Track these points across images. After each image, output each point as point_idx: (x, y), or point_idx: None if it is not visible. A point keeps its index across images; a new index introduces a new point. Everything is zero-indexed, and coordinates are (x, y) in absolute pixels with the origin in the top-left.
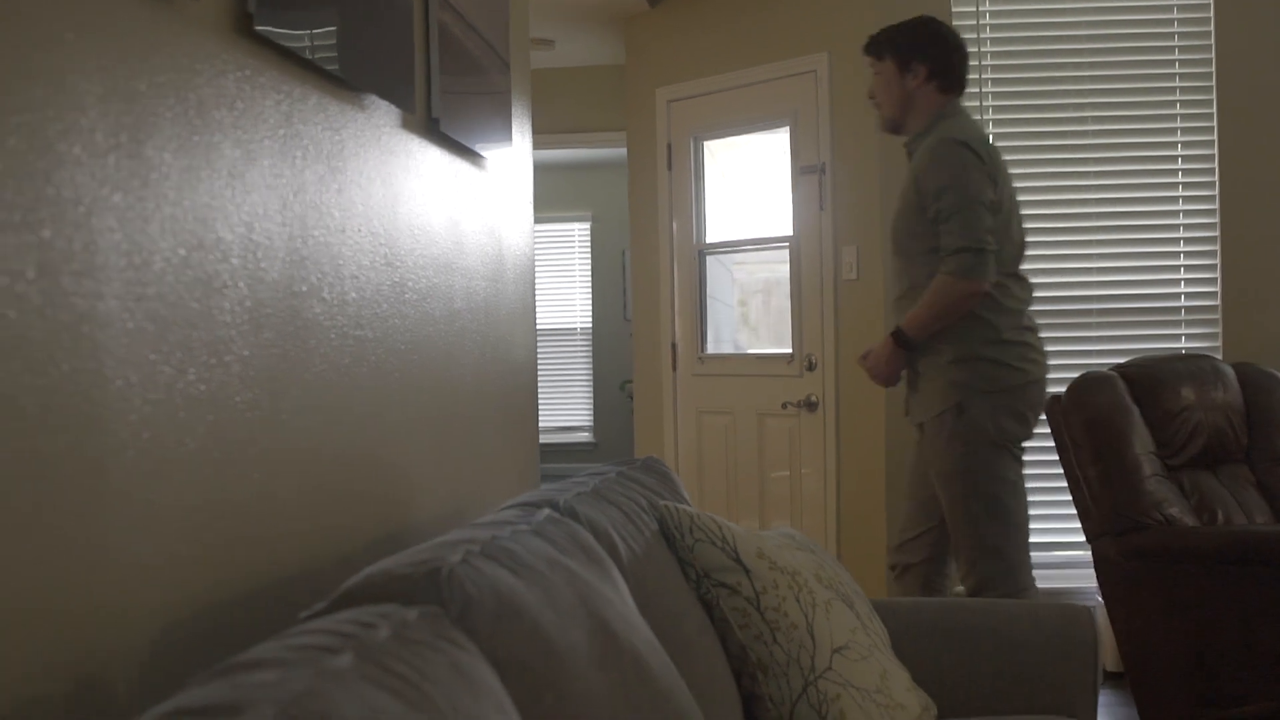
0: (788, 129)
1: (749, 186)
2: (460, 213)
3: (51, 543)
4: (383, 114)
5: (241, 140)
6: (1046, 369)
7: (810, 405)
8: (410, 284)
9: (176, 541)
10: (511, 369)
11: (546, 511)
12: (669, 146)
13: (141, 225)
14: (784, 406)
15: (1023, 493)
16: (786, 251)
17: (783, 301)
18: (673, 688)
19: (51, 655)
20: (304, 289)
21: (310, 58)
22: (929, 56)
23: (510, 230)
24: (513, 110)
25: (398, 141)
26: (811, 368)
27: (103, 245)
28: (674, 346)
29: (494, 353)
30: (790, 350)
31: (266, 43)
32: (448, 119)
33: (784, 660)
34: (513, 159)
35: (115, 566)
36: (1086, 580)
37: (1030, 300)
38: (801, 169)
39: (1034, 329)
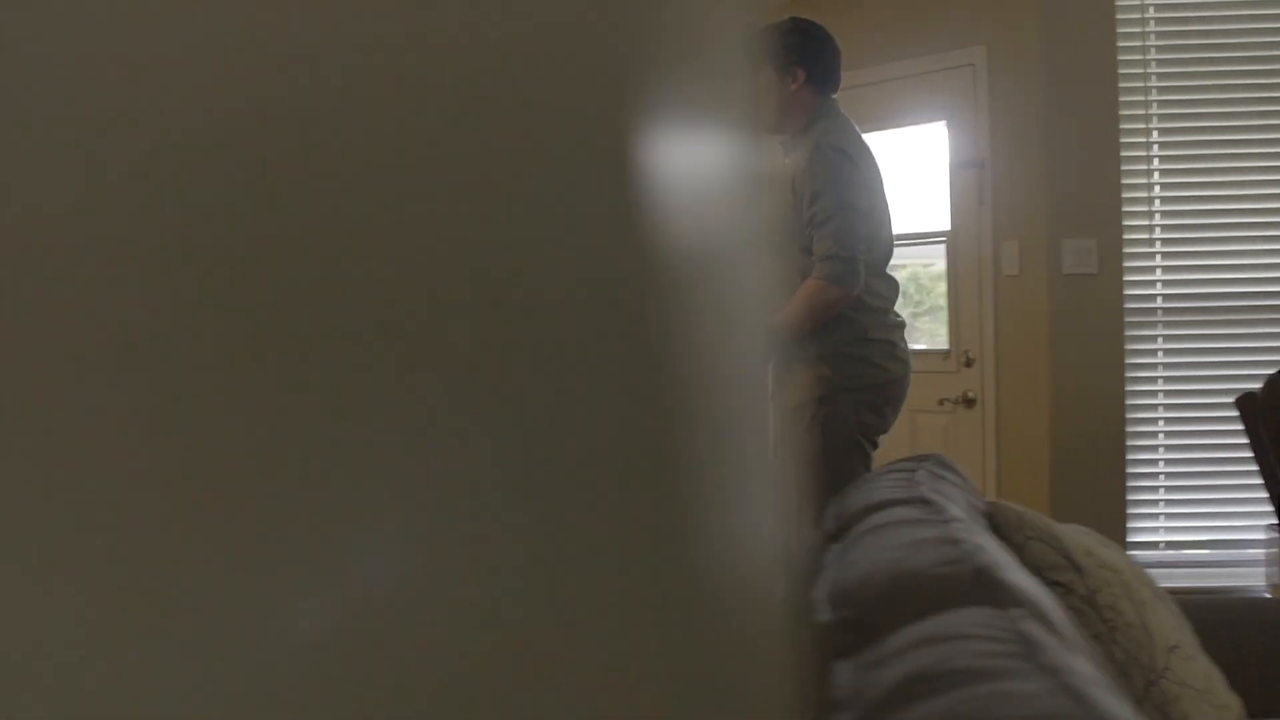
0: (944, 124)
1: (901, 181)
2: None
3: None
4: None
5: None
6: (909, 367)
7: (968, 402)
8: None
9: None
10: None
11: (931, 510)
12: None
13: None
14: (941, 403)
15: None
16: (943, 246)
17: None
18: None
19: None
20: None
21: None
22: (806, 61)
23: None
24: None
25: None
26: (969, 364)
27: None
28: None
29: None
30: (947, 346)
31: None
32: None
33: (1124, 660)
34: None
35: None
36: (1257, 579)
37: (895, 299)
38: (959, 164)
39: (900, 327)
